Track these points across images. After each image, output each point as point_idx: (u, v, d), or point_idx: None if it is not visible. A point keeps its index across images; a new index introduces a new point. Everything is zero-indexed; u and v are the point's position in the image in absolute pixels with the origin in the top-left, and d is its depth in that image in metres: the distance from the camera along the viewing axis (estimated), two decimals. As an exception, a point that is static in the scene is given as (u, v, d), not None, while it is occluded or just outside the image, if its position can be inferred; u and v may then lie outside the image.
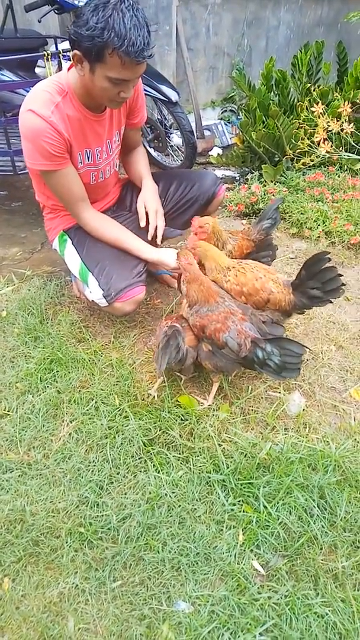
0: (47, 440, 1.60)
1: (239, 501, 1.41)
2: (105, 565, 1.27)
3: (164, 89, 3.14)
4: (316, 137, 2.71)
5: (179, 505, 1.39)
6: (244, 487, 1.43)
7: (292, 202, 2.93)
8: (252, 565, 1.27)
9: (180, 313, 1.75)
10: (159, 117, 3.62)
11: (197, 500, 1.42)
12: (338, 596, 1.21)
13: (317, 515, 1.37)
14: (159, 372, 1.64)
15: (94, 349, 1.94)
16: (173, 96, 3.16)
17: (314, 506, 1.38)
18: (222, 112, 4.72)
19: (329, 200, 2.91)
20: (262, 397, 1.76)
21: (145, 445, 1.56)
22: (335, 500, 1.40)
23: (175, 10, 4.00)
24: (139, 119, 1.97)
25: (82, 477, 1.47)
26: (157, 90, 3.13)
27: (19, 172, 2.68)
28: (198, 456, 1.53)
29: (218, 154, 4.05)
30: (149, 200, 2.01)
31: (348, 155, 2.96)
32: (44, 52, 2.55)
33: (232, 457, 1.52)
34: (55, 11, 2.95)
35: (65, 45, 2.90)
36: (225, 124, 4.45)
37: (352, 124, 2.66)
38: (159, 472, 1.48)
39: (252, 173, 3.35)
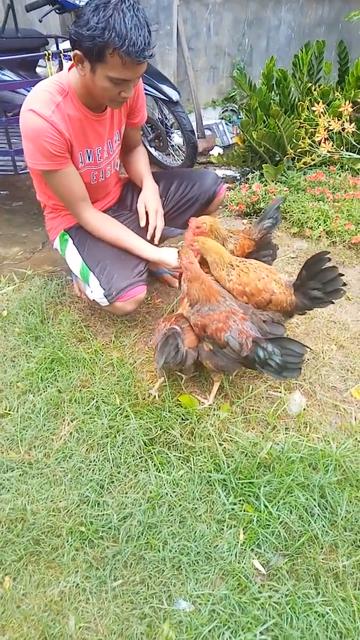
0: (48, 440, 1.60)
1: (240, 500, 1.41)
2: (106, 564, 1.27)
3: (165, 88, 3.14)
4: (317, 136, 2.71)
5: (180, 505, 1.39)
6: (245, 487, 1.43)
7: (293, 201, 2.93)
8: (253, 564, 1.28)
9: (180, 312, 1.75)
10: (160, 117, 3.62)
11: (197, 499, 1.42)
12: (339, 595, 1.21)
13: (318, 514, 1.37)
14: (159, 371, 1.64)
15: (94, 348, 1.94)
16: (174, 96, 3.17)
17: (314, 505, 1.38)
18: (222, 112, 4.72)
19: (330, 200, 2.91)
20: (262, 397, 1.76)
21: (146, 445, 1.56)
22: (336, 499, 1.40)
23: (176, 9, 4.00)
24: (139, 119, 1.98)
25: (82, 477, 1.47)
26: (157, 90, 3.13)
27: (20, 172, 2.69)
28: (199, 455, 1.53)
29: (219, 153, 4.06)
30: (149, 200, 2.01)
31: (349, 155, 2.96)
32: (45, 52, 2.55)
33: (232, 457, 1.52)
34: (56, 11, 2.96)
35: (66, 45, 2.89)
36: (226, 124, 4.44)
37: (353, 124, 2.67)
38: (159, 472, 1.48)
39: (253, 172, 3.35)
